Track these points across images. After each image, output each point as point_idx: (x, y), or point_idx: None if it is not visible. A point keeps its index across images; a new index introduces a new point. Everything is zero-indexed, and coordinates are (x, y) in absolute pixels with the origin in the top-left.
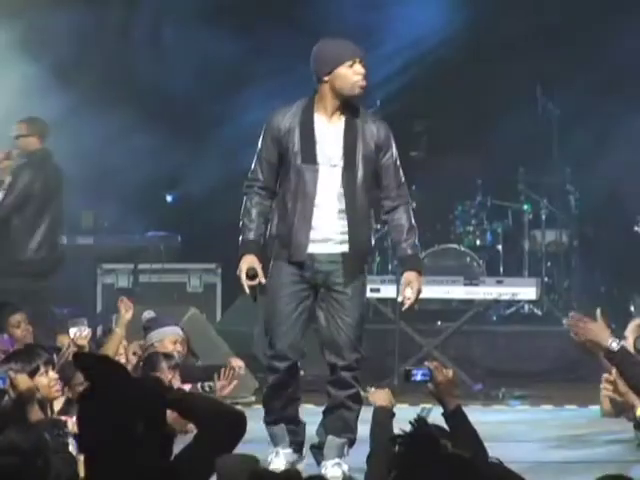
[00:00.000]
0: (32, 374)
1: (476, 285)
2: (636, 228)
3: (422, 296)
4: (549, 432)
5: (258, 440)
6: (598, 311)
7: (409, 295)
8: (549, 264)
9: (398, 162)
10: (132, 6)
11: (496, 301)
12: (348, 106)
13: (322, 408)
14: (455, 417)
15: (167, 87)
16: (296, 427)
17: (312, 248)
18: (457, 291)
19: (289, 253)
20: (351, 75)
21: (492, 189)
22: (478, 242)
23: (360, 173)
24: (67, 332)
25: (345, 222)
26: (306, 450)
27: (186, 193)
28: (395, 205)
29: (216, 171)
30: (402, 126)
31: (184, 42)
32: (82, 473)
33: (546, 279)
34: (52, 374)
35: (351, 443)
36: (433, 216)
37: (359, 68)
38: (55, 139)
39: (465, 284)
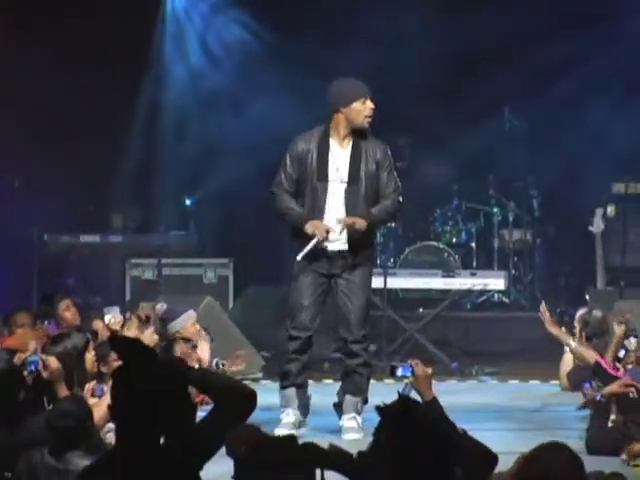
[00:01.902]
0: (84, 350)
1: (452, 277)
2: (590, 228)
3: (406, 286)
4: (516, 403)
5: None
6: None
7: (349, 221)
8: (516, 259)
9: (394, 172)
10: None
11: (470, 291)
12: (356, 132)
13: (327, 382)
14: (431, 407)
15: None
16: (304, 393)
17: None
18: (436, 282)
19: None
20: (363, 110)
21: (466, 194)
22: (454, 240)
23: (362, 188)
24: (101, 318)
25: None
26: (309, 416)
27: (203, 197)
28: (388, 194)
29: (230, 178)
30: (388, 140)
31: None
32: None
33: (513, 272)
34: (92, 352)
35: (364, 401)
36: (415, 217)
37: (370, 104)
38: None
39: (443, 276)
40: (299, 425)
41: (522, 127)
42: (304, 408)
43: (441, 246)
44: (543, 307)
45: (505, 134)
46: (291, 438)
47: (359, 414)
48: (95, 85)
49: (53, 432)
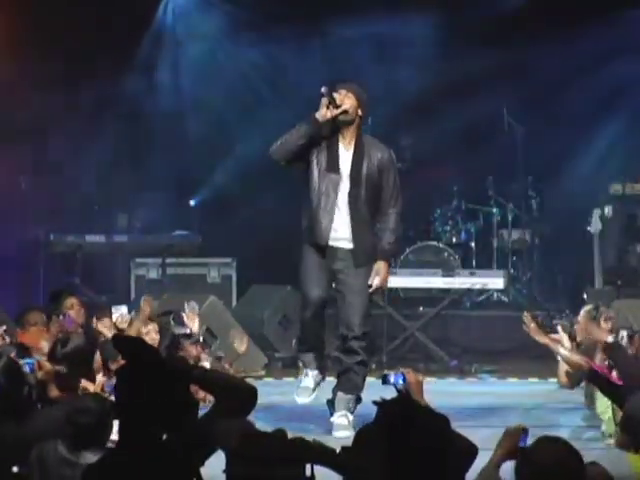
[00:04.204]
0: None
1: (452, 276)
2: (588, 228)
3: (406, 285)
4: (514, 401)
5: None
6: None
7: (376, 282)
8: (514, 258)
9: (397, 180)
10: None
11: (469, 290)
12: (360, 135)
13: (329, 379)
14: None
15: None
16: (322, 354)
17: (330, 242)
18: (436, 281)
19: (315, 237)
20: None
21: (466, 195)
22: (454, 240)
23: (363, 190)
24: (107, 317)
25: (350, 227)
26: (326, 373)
27: (207, 199)
28: (389, 212)
29: (232, 182)
30: (390, 141)
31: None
32: None
33: (512, 271)
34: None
35: (358, 399)
36: (416, 218)
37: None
38: None
39: (443, 275)
40: (316, 388)
41: (520, 128)
42: (322, 369)
43: (441, 246)
44: (527, 316)
45: (504, 136)
46: (281, 433)
47: (351, 412)
48: (98, 83)
49: (73, 427)
